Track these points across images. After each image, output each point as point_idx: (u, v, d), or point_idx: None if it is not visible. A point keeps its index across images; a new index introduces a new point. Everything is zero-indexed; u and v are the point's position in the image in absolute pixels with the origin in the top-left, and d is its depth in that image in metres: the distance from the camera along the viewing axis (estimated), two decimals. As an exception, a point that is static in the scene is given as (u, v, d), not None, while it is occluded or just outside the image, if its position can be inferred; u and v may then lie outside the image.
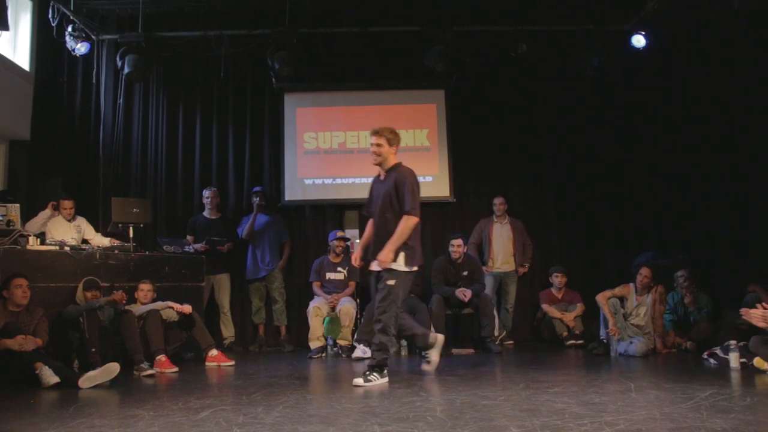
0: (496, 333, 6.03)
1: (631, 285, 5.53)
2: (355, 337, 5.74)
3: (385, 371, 3.99)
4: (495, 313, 6.01)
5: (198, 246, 6.09)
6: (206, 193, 6.51)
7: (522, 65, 6.99)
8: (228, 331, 6.43)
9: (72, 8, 6.35)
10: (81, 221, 5.83)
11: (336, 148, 7.08)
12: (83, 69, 7.03)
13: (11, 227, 4.81)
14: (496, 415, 2.92)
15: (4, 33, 5.54)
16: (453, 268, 6.03)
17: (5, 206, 4.95)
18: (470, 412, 2.95)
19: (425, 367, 4.31)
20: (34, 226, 5.45)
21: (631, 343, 5.25)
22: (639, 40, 6.64)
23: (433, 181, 7.05)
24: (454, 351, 5.75)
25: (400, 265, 4.00)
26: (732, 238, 5.93)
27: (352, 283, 6.14)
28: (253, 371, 4.82)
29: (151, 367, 4.60)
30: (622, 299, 5.50)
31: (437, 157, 7.09)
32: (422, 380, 4.10)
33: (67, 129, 6.98)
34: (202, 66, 7.05)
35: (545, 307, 6.43)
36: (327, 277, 6.11)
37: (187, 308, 5.08)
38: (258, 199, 6.42)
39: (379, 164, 4.18)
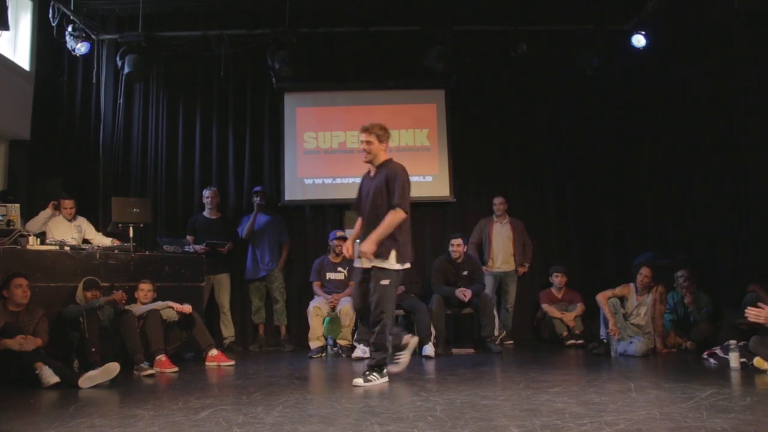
0: (496, 333, 6.03)
1: (632, 285, 5.53)
2: (355, 336, 5.74)
3: (385, 371, 3.99)
4: (495, 312, 6.01)
5: (198, 248, 6.09)
6: (206, 192, 6.52)
7: (522, 65, 7.00)
8: (228, 330, 6.43)
9: (72, 8, 6.35)
10: (82, 221, 5.83)
11: (336, 148, 7.08)
12: (83, 69, 7.04)
13: (11, 227, 4.80)
14: (496, 414, 2.92)
15: (4, 33, 5.54)
16: (453, 267, 6.03)
17: (5, 206, 4.94)
18: (470, 412, 2.95)
19: (393, 368, 4.11)
20: (35, 226, 5.45)
21: (630, 342, 5.25)
22: (639, 40, 6.64)
23: (433, 181, 7.05)
24: (454, 351, 5.76)
25: (392, 263, 3.96)
26: (732, 238, 5.93)
27: (353, 283, 6.13)
28: (253, 371, 4.82)
29: (151, 366, 4.60)
30: (622, 299, 5.51)
31: (437, 157, 7.09)
32: (422, 380, 4.10)
33: (67, 129, 6.98)
34: (202, 66, 7.05)
35: (545, 306, 6.43)
36: (327, 277, 6.11)
37: (187, 308, 5.08)
38: (258, 198, 6.42)
39: (370, 161, 4.14)
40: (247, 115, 7.11)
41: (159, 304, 5.03)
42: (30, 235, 4.87)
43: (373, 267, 3.99)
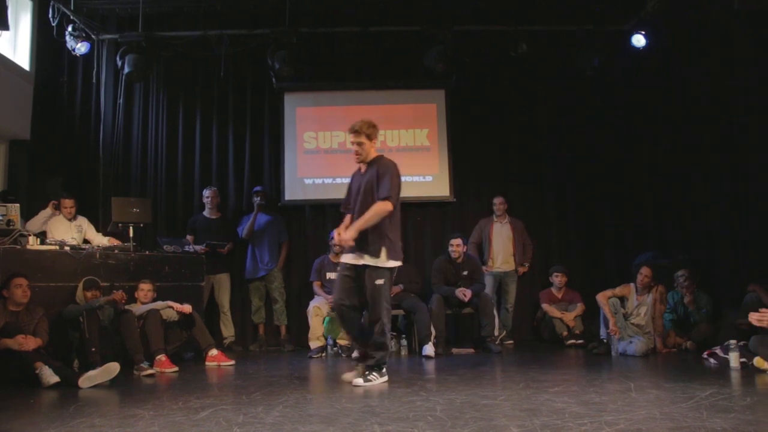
0: (496, 333, 6.04)
1: (632, 285, 5.54)
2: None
3: (384, 370, 3.99)
4: (495, 312, 6.01)
5: (198, 248, 6.09)
6: (206, 192, 6.52)
7: (522, 65, 7.00)
8: (228, 330, 6.43)
9: (72, 8, 6.35)
10: (82, 221, 5.83)
11: (336, 148, 7.08)
12: (83, 69, 7.04)
13: (11, 227, 4.80)
14: (496, 414, 2.92)
15: (4, 33, 5.54)
16: (453, 267, 6.03)
17: (5, 206, 4.94)
18: (470, 412, 2.95)
19: (358, 381, 3.88)
20: (35, 225, 5.45)
21: (630, 342, 5.25)
22: (639, 40, 6.64)
23: (433, 180, 7.05)
24: (454, 351, 5.76)
25: (384, 261, 3.93)
26: (732, 238, 5.93)
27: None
28: (253, 371, 4.82)
29: (151, 366, 4.60)
30: (622, 299, 5.51)
31: (437, 156, 7.09)
32: (422, 380, 4.10)
33: (67, 129, 6.98)
34: (202, 66, 7.05)
35: (545, 306, 6.43)
36: (327, 277, 6.11)
37: (187, 308, 5.08)
38: (259, 198, 6.43)
39: (362, 161, 4.11)
40: (247, 115, 7.11)
41: (159, 304, 5.03)
42: (30, 235, 4.87)
43: (367, 267, 3.96)
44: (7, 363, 4.08)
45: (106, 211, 6.35)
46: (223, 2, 6.86)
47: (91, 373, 4.05)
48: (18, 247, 4.71)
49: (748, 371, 4.19)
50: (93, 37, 6.76)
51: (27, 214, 5.51)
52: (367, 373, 3.92)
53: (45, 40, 6.69)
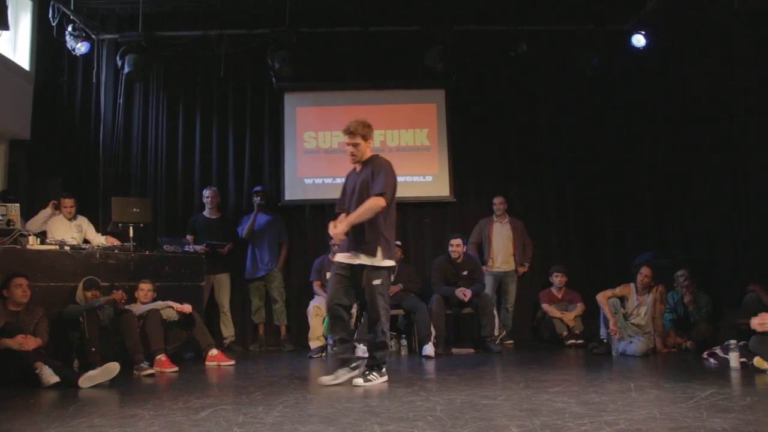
0: (496, 333, 6.04)
1: (632, 285, 5.53)
2: (355, 336, 5.73)
3: (384, 370, 3.99)
4: (495, 312, 6.01)
5: (198, 248, 6.09)
6: (206, 192, 6.52)
7: (522, 65, 7.00)
8: (228, 330, 6.43)
9: (72, 8, 6.35)
10: (83, 221, 5.83)
11: (336, 148, 7.07)
12: (83, 69, 7.04)
13: (11, 227, 4.80)
14: (496, 414, 2.92)
15: (4, 33, 5.54)
16: (453, 267, 6.03)
17: (5, 206, 4.94)
18: (470, 412, 2.95)
19: (325, 379, 3.89)
20: (35, 225, 5.45)
21: (630, 342, 5.25)
22: (639, 40, 6.64)
23: (433, 180, 7.05)
24: (454, 351, 5.76)
25: (380, 260, 3.91)
26: (732, 238, 5.93)
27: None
28: (253, 371, 4.82)
29: (151, 366, 4.60)
30: (622, 299, 5.51)
31: (437, 156, 7.09)
32: (422, 380, 4.10)
33: (67, 129, 6.98)
34: (202, 66, 7.05)
35: (545, 306, 6.43)
36: (328, 277, 6.09)
37: (187, 308, 5.08)
38: (259, 198, 6.43)
39: (358, 161, 4.08)
40: (247, 114, 7.12)
41: (159, 304, 5.03)
42: (30, 235, 4.87)
43: (364, 267, 3.93)
44: (7, 363, 4.08)
45: (106, 211, 6.35)
46: (223, 2, 6.86)
47: (91, 373, 4.05)
48: (18, 246, 4.71)
49: (748, 371, 4.18)
50: (93, 37, 6.76)
51: (27, 214, 5.51)
52: (366, 372, 3.92)
53: (45, 40, 6.69)
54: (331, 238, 5.58)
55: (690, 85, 6.48)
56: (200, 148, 7.05)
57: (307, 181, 7.04)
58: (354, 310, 5.88)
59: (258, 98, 7.15)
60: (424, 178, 7.04)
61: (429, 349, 5.39)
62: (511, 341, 6.41)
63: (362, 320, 5.81)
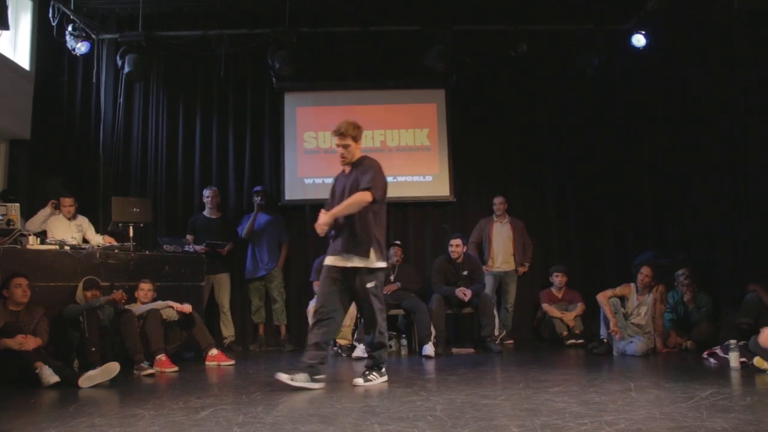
0: (496, 332, 6.03)
1: (632, 284, 5.53)
2: (355, 336, 5.74)
3: (384, 370, 3.99)
4: (495, 312, 6.01)
5: (198, 248, 6.09)
6: (206, 192, 6.52)
7: (522, 65, 7.00)
8: (228, 330, 6.43)
9: (72, 8, 6.36)
10: (83, 220, 5.83)
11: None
12: (83, 68, 7.04)
13: (11, 227, 4.80)
14: (496, 414, 2.92)
15: (5, 32, 5.54)
16: (453, 267, 6.03)
17: (5, 206, 4.94)
18: (470, 412, 2.95)
19: (282, 376, 3.73)
20: (34, 225, 5.45)
21: (630, 342, 5.25)
22: (639, 40, 6.64)
23: (433, 180, 7.05)
24: (454, 350, 5.76)
25: (373, 262, 3.88)
26: (732, 238, 5.93)
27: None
28: (253, 371, 4.82)
29: (151, 366, 4.60)
30: (622, 299, 5.50)
31: (437, 156, 7.09)
32: (422, 380, 4.10)
33: (67, 129, 6.98)
34: (202, 65, 7.05)
35: (545, 306, 6.43)
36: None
37: (187, 308, 5.08)
38: (259, 198, 6.43)
39: (347, 163, 4.05)
40: (248, 114, 7.12)
41: (159, 304, 5.03)
42: (30, 235, 4.87)
43: (357, 271, 3.87)
44: (7, 363, 4.08)
45: (106, 210, 6.35)
46: (223, 2, 6.86)
47: (91, 372, 4.05)
48: (18, 246, 4.71)
49: (748, 371, 4.18)
50: (93, 36, 6.76)
51: (27, 214, 5.50)
52: (366, 372, 3.92)
53: (45, 39, 6.69)
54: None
55: (690, 85, 6.48)
56: (200, 147, 7.05)
57: (307, 181, 7.04)
58: (353, 311, 5.89)
59: (258, 98, 7.15)
60: (424, 178, 7.04)
61: (429, 349, 5.39)
62: (511, 341, 6.41)
63: (361, 322, 5.83)
